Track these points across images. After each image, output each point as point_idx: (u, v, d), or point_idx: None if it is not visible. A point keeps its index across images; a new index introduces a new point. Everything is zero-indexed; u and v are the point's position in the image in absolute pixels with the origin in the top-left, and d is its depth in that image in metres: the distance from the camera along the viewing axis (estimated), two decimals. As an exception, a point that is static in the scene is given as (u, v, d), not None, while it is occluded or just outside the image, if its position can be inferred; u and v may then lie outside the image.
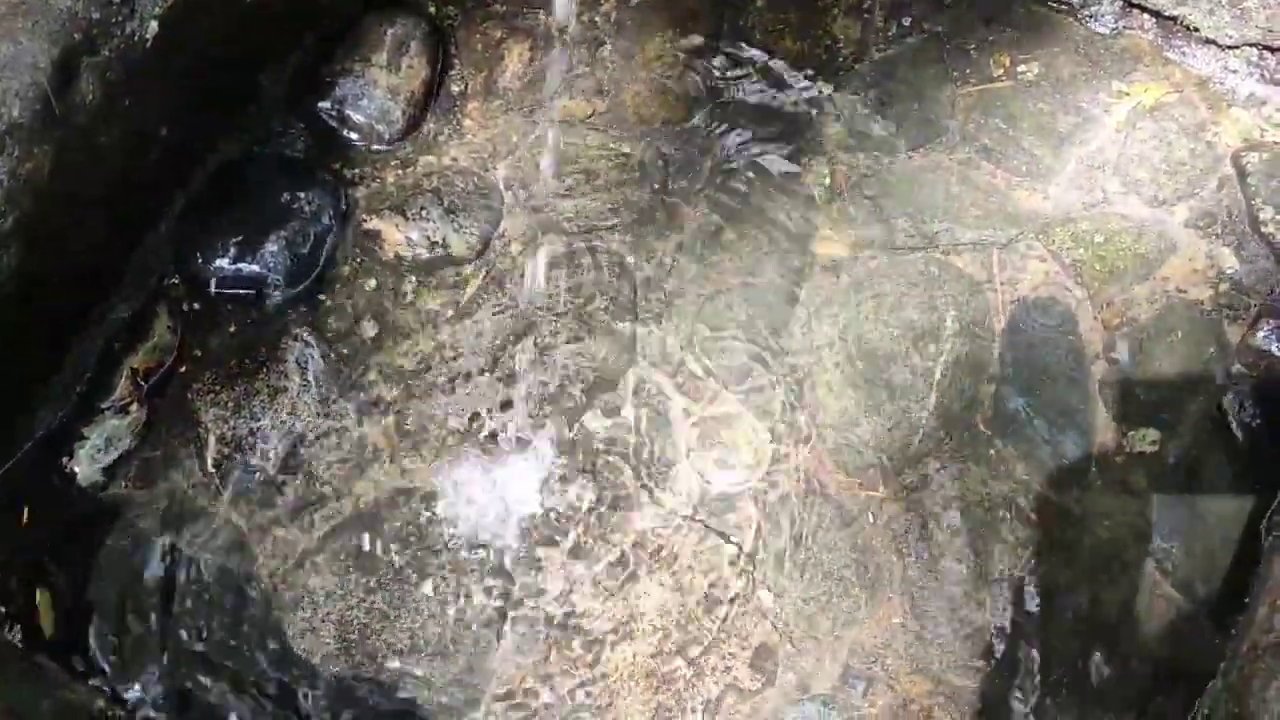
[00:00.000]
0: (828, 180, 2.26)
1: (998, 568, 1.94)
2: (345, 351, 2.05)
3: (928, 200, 2.25)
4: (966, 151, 2.30)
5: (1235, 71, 2.35)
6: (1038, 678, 1.86)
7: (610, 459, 2.00)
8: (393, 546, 1.90)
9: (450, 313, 2.10)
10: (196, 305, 2.05)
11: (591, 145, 2.28)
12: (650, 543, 1.93)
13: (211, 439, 1.95)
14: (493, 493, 1.96)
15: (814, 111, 2.33)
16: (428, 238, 2.14)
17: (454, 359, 2.06)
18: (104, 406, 1.92)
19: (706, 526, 1.95)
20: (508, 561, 1.90)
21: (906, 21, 2.44)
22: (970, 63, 2.39)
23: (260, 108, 2.22)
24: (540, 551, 1.92)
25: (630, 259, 2.17)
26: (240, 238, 2.06)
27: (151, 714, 1.76)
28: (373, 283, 2.12)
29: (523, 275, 2.14)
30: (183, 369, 2.01)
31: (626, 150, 2.28)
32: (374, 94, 2.22)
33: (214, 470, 1.93)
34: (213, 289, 2.05)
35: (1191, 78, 2.36)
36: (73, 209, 1.79)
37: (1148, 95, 2.35)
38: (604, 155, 2.27)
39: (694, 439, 2.02)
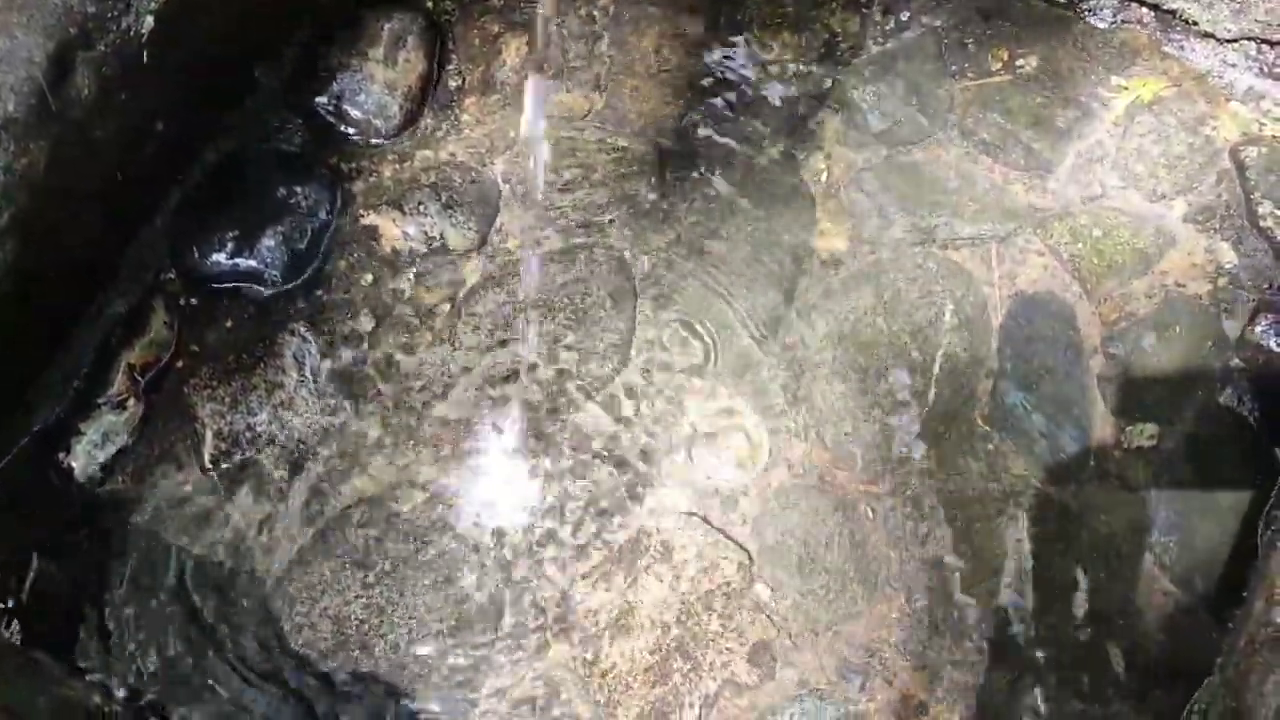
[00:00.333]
0: (825, 175, 2.26)
1: (995, 563, 1.94)
2: (342, 346, 2.05)
3: (926, 195, 2.25)
4: (965, 146, 2.30)
5: (1234, 65, 2.35)
6: (1035, 672, 1.86)
7: (608, 454, 1.99)
8: (390, 542, 1.90)
9: (447, 308, 2.10)
10: (193, 300, 2.05)
11: (589, 140, 2.28)
12: (648, 538, 1.93)
13: (208, 434, 1.95)
14: (490, 488, 1.96)
15: (812, 105, 2.33)
16: (425, 233, 2.14)
17: (451, 354, 2.06)
18: (101, 402, 1.92)
19: (705, 522, 1.95)
20: (506, 557, 1.90)
21: (904, 15, 2.44)
22: (968, 57, 2.39)
23: (257, 102, 2.23)
24: (538, 547, 1.92)
25: (628, 254, 2.17)
26: (237, 233, 2.05)
27: (148, 710, 1.75)
28: (370, 278, 2.11)
29: (520, 270, 2.14)
30: (179, 364, 2.00)
31: (624, 144, 2.27)
32: (371, 89, 2.21)
33: (211, 465, 1.93)
34: (209, 284, 2.05)
35: (1190, 72, 2.36)
36: (68, 204, 1.79)
37: (1146, 89, 2.35)
38: (601, 149, 2.27)
39: (692, 434, 2.02)
